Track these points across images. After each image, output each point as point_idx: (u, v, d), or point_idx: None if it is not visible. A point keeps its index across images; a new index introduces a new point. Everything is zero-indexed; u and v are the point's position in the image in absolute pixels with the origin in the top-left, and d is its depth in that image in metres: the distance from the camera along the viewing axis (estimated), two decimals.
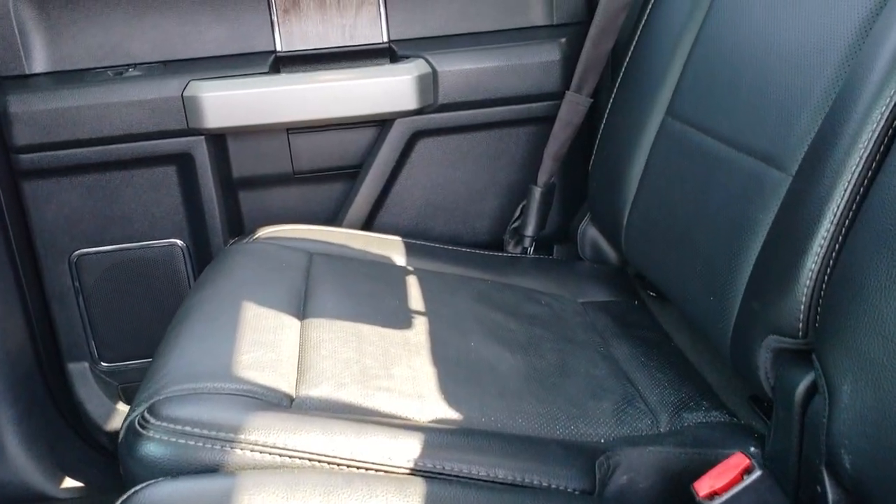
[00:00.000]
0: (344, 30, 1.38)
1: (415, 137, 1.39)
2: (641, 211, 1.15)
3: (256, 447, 0.73)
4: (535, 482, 0.77)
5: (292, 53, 1.37)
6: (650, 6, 1.22)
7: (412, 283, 1.16)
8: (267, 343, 0.92)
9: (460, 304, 1.13)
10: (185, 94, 1.29)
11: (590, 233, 1.35)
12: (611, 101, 1.28)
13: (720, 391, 1.00)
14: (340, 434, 0.76)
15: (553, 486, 0.77)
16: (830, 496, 0.74)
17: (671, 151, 1.10)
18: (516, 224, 1.40)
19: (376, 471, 0.73)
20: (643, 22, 1.23)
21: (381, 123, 1.39)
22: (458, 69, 1.35)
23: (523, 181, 1.42)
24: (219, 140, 1.37)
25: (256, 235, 1.25)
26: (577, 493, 0.77)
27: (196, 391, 0.81)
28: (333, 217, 1.44)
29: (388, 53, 1.38)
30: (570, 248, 1.44)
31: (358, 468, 0.73)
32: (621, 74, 1.26)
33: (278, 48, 1.37)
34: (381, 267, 1.21)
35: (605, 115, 1.29)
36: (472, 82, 1.35)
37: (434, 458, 0.76)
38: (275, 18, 1.35)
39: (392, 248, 1.28)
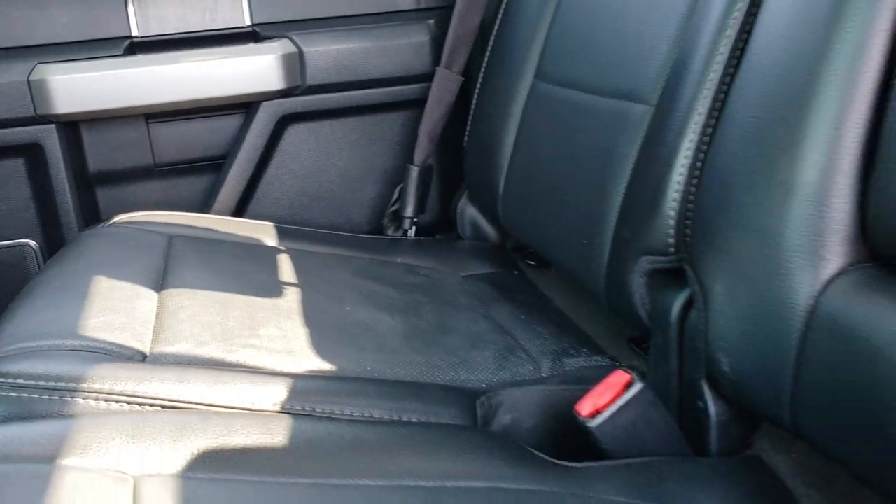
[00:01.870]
0: (204, 13, 1.32)
1: (283, 123, 1.35)
2: (515, 179, 1.14)
3: (101, 395, 0.66)
4: (413, 420, 0.72)
5: (149, 39, 1.31)
6: None
7: (284, 261, 1.10)
8: (119, 309, 0.84)
9: (336, 277, 1.08)
10: (31, 77, 1.21)
11: (469, 212, 1.34)
12: (480, 76, 1.28)
13: (599, 340, 0.99)
14: (197, 381, 0.69)
15: (433, 421, 0.72)
16: (712, 409, 0.73)
17: (541, 114, 1.10)
18: (395, 207, 1.37)
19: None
20: None
21: (247, 108, 1.33)
22: (326, 49, 1.32)
23: (401, 167, 1.40)
24: (72, 129, 1.28)
25: (112, 221, 1.16)
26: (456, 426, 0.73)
27: (37, 349, 0.72)
28: (199, 211, 1.37)
29: (251, 37, 1.34)
30: (451, 237, 1.42)
31: (217, 411, 0.67)
32: (489, 49, 1.27)
33: (134, 33, 1.30)
34: (250, 247, 1.15)
35: (476, 91, 1.29)
36: (340, 63, 1.33)
37: (303, 401, 0.70)
38: (129, 1, 1.28)
39: (263, 232, 1.22)
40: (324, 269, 1.11)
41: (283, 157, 1.37)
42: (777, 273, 0.63)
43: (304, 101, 1.33)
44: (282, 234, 1.23)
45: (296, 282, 1.03)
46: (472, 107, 1.29)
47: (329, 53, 1.32)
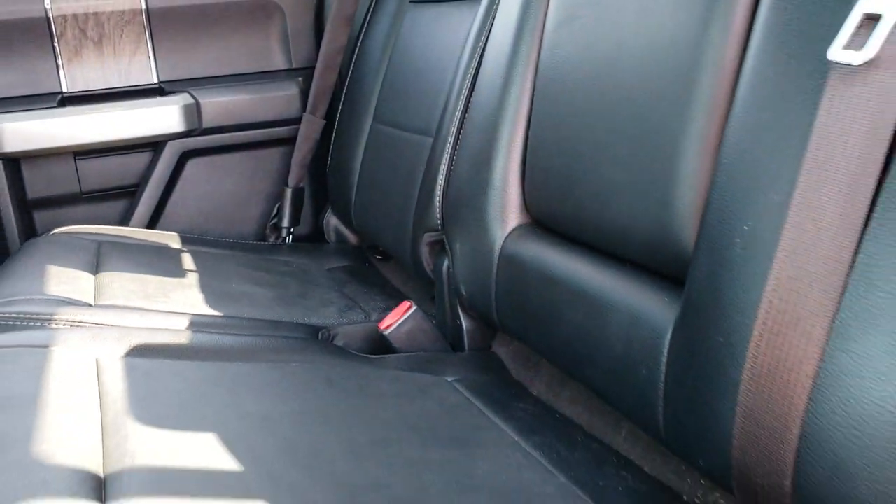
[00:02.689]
0: (120, 73, 1.70)
1: (184, 157, 1.73)
2: (362, 195, 1.56)
3: (67, 322, 1.03)
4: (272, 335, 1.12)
5: (77, 94, 1.68)
6: (359, 43, 1.67)
7: (186, 257, 1.48)
8: (69, 282, 1.21)
9: (226, 267, 1.47)
10: None
11: (332, 222, 1.75)
12: (337, 119, 1.70)
13: (410, 295, 1.41)
14: (129, 316, 1.08)
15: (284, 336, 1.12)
16: (464, 323, 1.15)
17: (376, 147, 1.53)
18: (274, 220, 1.77)
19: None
20: (355, 56, 1.67)
21: (155, 146, 1.71)
22: (217, 100, 1.72)
23: (279, 189, 1.80)
24: (14, 163, 1.63)
25: (52, 233, 1.52)
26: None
27: (21, 300, 1.09)
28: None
29: (158, 92, 1.72)
30: (320, 243, 1.82)
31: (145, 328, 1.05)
32: (342, 98, 1.69)
33: (64, 89, 1.66)
34: (160, 249, 1.53)
35: (334, 131, 1.71)
36: (229, 110, 1.73)
37: (202, 326, 1.09)
38: (60, 63, 1.65)
39: (170, 239, 1.59)
40: (216, 262, 1.49)
41: (185, 184, 1.75)
42: (484, 233, 1.06)
43: (201, 140, 1.72)
44: (185, 240, 1.61)
45: (195, 269, 1.41)
46: (332, 142, 1.71)
47: (220, 103, 1.72)
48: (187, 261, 1.46)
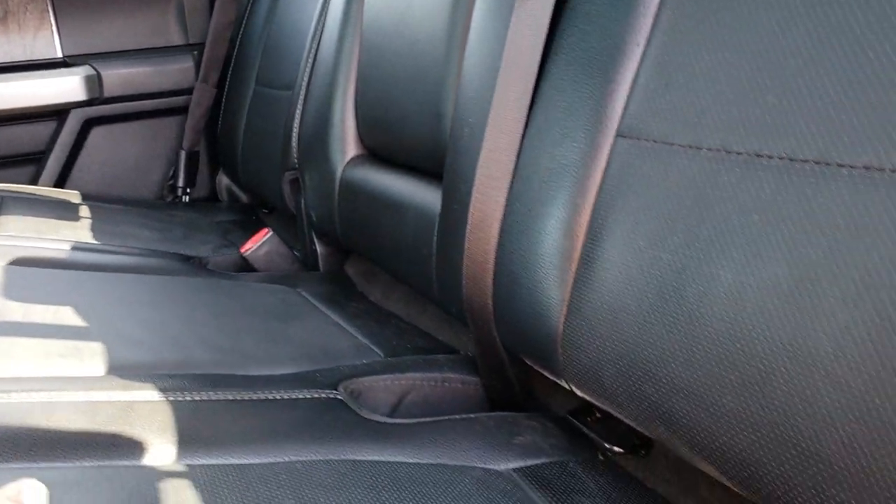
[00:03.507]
0: (25, 48, 1.85)
1: (88, 125, 1.88)
2: (246, 152, 1.73)
3: None
4: None
5: None
6: (246, 16, 1.84)
7: (85, 207, 1.64)
8: None
9: (120, 216, 1.62)
10: None
11: (224, 181, 1.92)
12: (226, 87, 1.87)
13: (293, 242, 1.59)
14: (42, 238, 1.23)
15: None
16: (319, 248, 1.34)
17: (257, 107, 1.71)
18: (171, 182, 1.93)
19: None
20: (242, 28, 1.85)
21: (59, 115, 1.86)
22: (118, 72, 1.87)
23: (175, 154, 1.96)
24: None
25: None
26: None
27: None
28: None
29: (63, 65, 1.87)
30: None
31: None
32: (231, 67, 1.86)
33: None
34: (62, 201, 1.68)
35: (224, 98, 1.88)
36: (128, 81, 1.88)
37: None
38: None
39: (72, 196, 1.74)
40: (112, 213, 1.65)
41: (89, 150, 1.90)
42: (328, 165, 1.24)
43: (103, 109, 1.88)
44: (85, 197, 1.76)
45: (90, 217, 1.56)
46: (222, 109, 1.88)
47: (120, 75, 1.87)
48: (84, 210, 1.61)
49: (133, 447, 0.63)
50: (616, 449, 0.72)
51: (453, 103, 0.92)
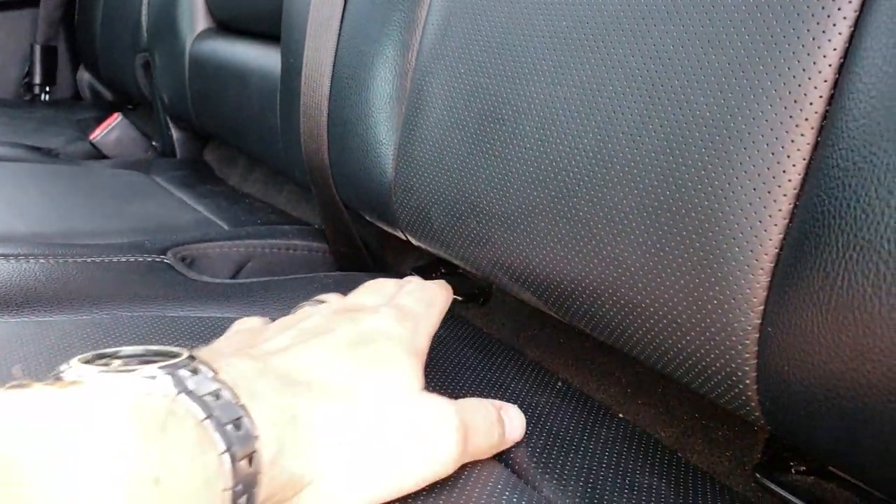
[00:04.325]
0: None
1: None
2: (102, 40, 1.61)
3: None
4: None
5: None
6: None
7: None
8: None
9: None
10: None
11: (85, 77, 1.79)
12: None
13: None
14: None
15: None
16: (174, 133, 1.26)
17: None
18: (27, 80, 1.79)
19: None
20: None
21: None
22: None
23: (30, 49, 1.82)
24: None
25: None
26: None
27: None
28: None
29: None
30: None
31: None
32: None
33: None
34: None
35: None
36: None
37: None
38: None
39: None
40: None
41: None
42: (177, 41, 1.16)
43: None
44: None
45: None
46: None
47: None
48: None
49: None
50: (456, 297, 0.70)
51: None
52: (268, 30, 0.98)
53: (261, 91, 0.92)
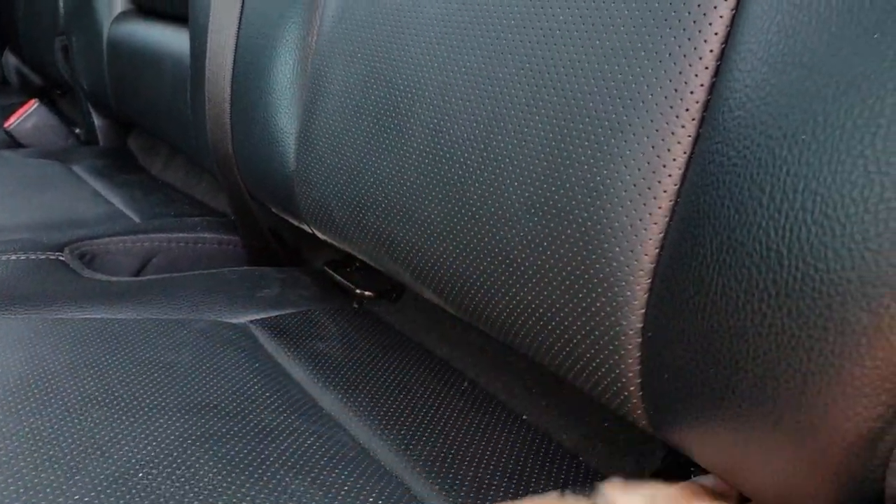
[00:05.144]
0: None
1: None
2: (24, 19, 1.54)
3: None
4: None
5: None
6: None
7: None
8: None
9: None
10: None
11: (11, 61, 1.72)
12: None
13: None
14: None
15: None
16: (96, 119, 1.21)
17: None
18: None
19: None
20: None
21: None
22: None
23: None
24: None
25: None
26: None
27: None
28: None
29: None
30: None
31: None
32: None
33: None
34: None
35: None
36: None
37: None
38: None
39: None
40: None
41: None
42: (93, 24, 1.11)
43: None
44: None
45: None
46: None
47: None
48: None
49: None
50: (367, 294, 0.67)
51: None
52: (182, 11, 0.94)
53: (174, 76, 0.88)
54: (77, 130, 1.26)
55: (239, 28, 0.68)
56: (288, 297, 0.67)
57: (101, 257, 0.73)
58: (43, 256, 0.68)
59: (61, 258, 0.68)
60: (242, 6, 0.67)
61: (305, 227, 0.66)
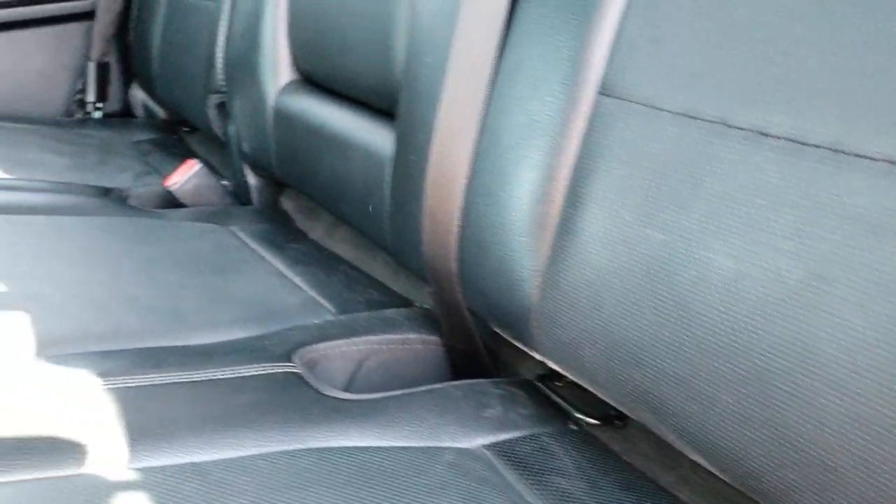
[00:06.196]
0: None
1: None
2: (162, 65, 1.59)
3: None
4: None
5: None
6: None
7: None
8: None
9: (26, 138, 1.48)
10: None
11: (139, 96, 1.77)
12: None
13: (216, 165, 1.49)
14: None
15: None
16: (251, 180, 1.25)
17: (172, 15, 1.55)
18: (80, 96, 1.76)
19: None
20: None
21: None
22: None
23: (83, 64, 1.79)
24: None
25: None
26: None
27: None
28: None
29: None
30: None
31: None
32: None
33: None
34: None
35: (134, 2, 1.71)
36: None
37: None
38: None
39: None
40: (16, 134, 1.50)
41: None
42: (259, 91, 1.14)
43: None
44: None
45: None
46: (133, 15, 1.71)
47: None
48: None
49: (74, 451, 0.57)
50: (590, 420, 0.69)
51: (406, 35, 0.83)
52: (365, 98, 0.96)
53: (365, 168, 0.90)
54: (224, 182, 1.30)
55: (473, 158, 0.70)
56: (511, 417, 0.69)
57: (321, 363, 0.76)
58: (277, 369, 0.71)
59: (294, 370, 0.71)
60: (478, 136, 0.69)
61: (535, 356, 0.68)
